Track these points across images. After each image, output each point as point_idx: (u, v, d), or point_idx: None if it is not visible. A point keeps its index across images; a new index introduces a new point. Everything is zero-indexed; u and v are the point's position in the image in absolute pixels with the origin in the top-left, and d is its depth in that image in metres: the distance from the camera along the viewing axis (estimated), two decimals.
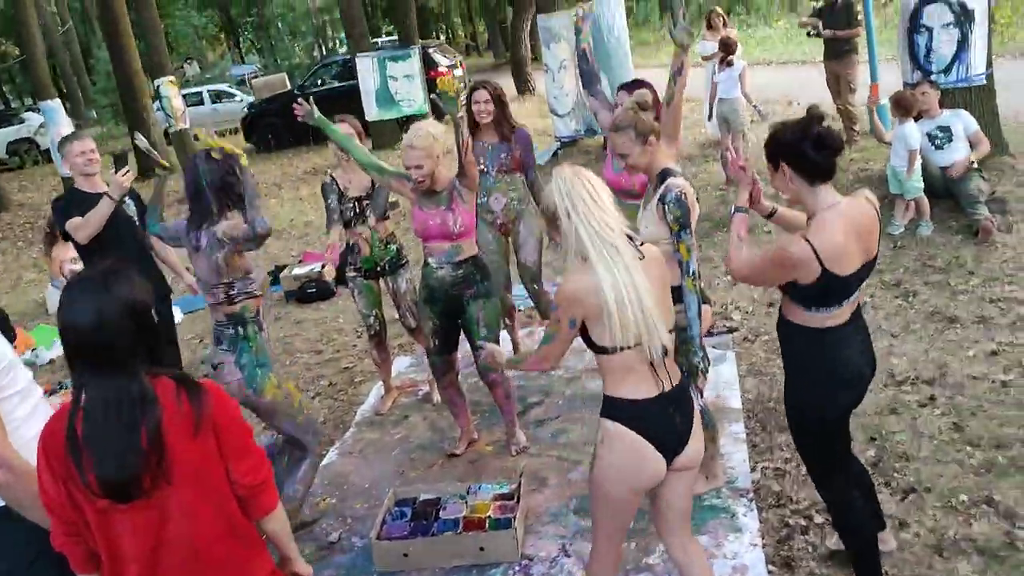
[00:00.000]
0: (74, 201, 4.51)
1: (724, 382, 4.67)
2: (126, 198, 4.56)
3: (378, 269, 4.79)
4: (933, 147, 6.61)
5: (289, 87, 20.26)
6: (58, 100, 12.03)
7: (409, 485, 4.08)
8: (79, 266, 6.27)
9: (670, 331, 2.48)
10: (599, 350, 2.44)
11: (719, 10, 10.35)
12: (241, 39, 45.76)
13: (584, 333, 2.47)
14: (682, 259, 3.19)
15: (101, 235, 4.37)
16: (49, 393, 6.02)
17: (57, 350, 5.71)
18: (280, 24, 33.35)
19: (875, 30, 8.60)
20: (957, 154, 6.51)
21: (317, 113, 4.06)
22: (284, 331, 6.70)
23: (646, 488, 2.54)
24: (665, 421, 2.47)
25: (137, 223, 4.69)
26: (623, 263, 2.38)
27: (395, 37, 16.84)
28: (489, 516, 3.56)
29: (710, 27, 9.98)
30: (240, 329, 3.43)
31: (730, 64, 8.42)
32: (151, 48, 13.51)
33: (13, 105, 35.65)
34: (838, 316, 2.72)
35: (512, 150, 4.81)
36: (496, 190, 4.87)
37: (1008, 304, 5.01)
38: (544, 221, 4.45)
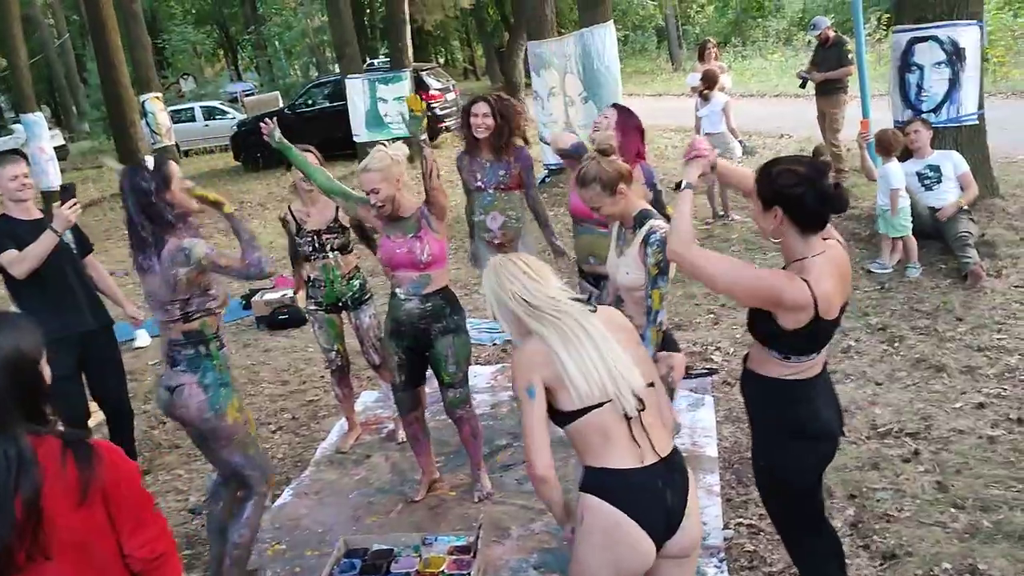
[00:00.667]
0: (6, 230, 4.15)
1: (701, 428, 4.47)
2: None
3: (340, 304, 4.59)
4: (923, 187, 6.48)
5: (281, 106, 20.14)
6: (40, 114, 11.85)
7: (364, 532, 3.87)
8: None
9: (649, 384, 2.27)
10: (568, 418, 2.22)
11: (712, 41, 10.17)
12: (239, 57, 45.77)
13: (550, 409, 2.25)
14: (652, 307, 3.01)
15: (39, 267, 4.07)
16: None
17: None
18: (277, 43, 33.29)
19: (868, 65, 8.51)
20: (947, 195, 6.39)
21: (278, 135, 3.88)
22: (251, 359, 6.48)
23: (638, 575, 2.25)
24: (652, 497, 2.19)
25: (75, 252, 4.45)
26: (572, 319, 2.21)
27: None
28: (443, 571, 3.34)
29: (701, 58, 9.85)
30: (201, 348, 3.15)
31: (706, 98, 8.27)
32: (138, 63, 13.37)
33: (7, 115, 35.48)
34: (814, 366, 2.55)
35: (511, 167, 4.62)
36: (493, 208, 4.67)
37: (996, 354, 4.84)
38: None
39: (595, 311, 2.28)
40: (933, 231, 6.44)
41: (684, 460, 2.35)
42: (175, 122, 22.66)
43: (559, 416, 2.24)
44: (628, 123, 3.98)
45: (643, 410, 2.21)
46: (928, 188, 6.47)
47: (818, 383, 2.59)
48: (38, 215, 4.31)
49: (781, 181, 2.40)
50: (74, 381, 4.35)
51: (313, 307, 4.64)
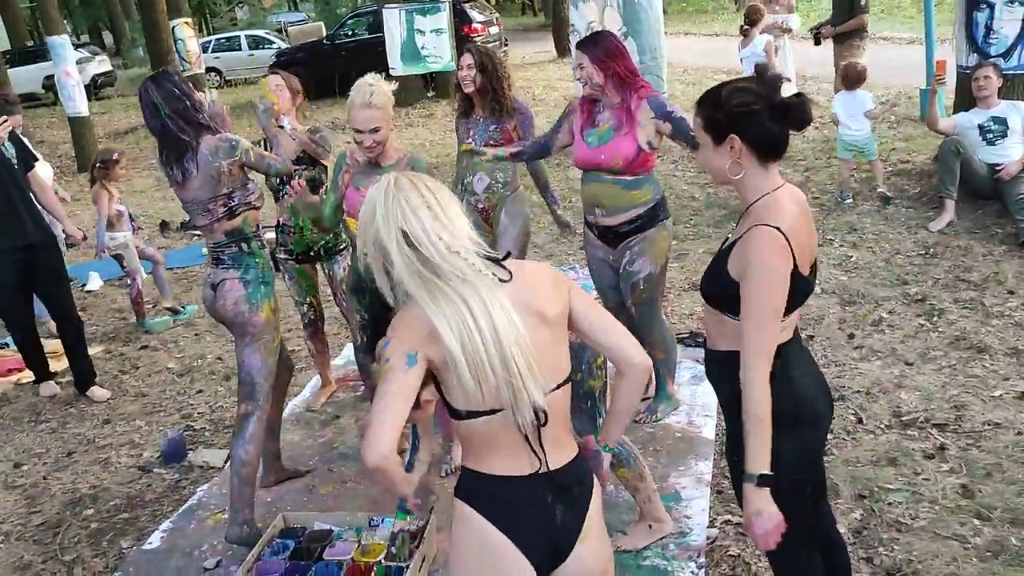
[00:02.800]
0: None
1: (701, 406, 4.01)
2: (5, 142, 4.45)
3: (311, 254, 4.19)
4: (984, 141, 5.82)
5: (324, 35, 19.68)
6: (66, 37, 11.57)
7: (314, 505, 3.54)
8: (125, 207, 5.93)
9: (556, 387, 1.78)
10: (452, 413, 1.76)
11: None
12: None
13: (439, 391, 1.77)
14: None
15: None
16: None
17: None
18: None
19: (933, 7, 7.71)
20: (1010, 151, 5.74)
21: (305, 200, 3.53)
22: None
23: None
24: (536, 512, 1.76)
25: (17, 166, 4.58)
26: (476, 295, 1.66)
27: None
28: (379, 562, 2.97)
29: None
30: (244, 245, 3.22)
31: (747, 36, 7.57)
32: None
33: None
34: (786, 328, 2.08)
35: (503, 124, 4.14)
36: (481, 168, 4.20)
37: None
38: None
39: (509, 280, 1.73)
40: (991, 191, 5.80)
41: (589, 475, 1.88)
42: (222, 50, 22.44)
43: (446, 406, 1.78)
44: (604, 55, 3.46)
45: (544, 424, 1.75)
46: (990, 143, 5.80)
47: (793, 350, 2.11)
48: None
49: (735, 101, 1.97)
50: (14, 296, 4.62)
51: (283, 255, 4.25)
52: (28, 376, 5.03)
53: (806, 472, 2.20)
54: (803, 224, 2.03)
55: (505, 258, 1.78)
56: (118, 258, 5.86)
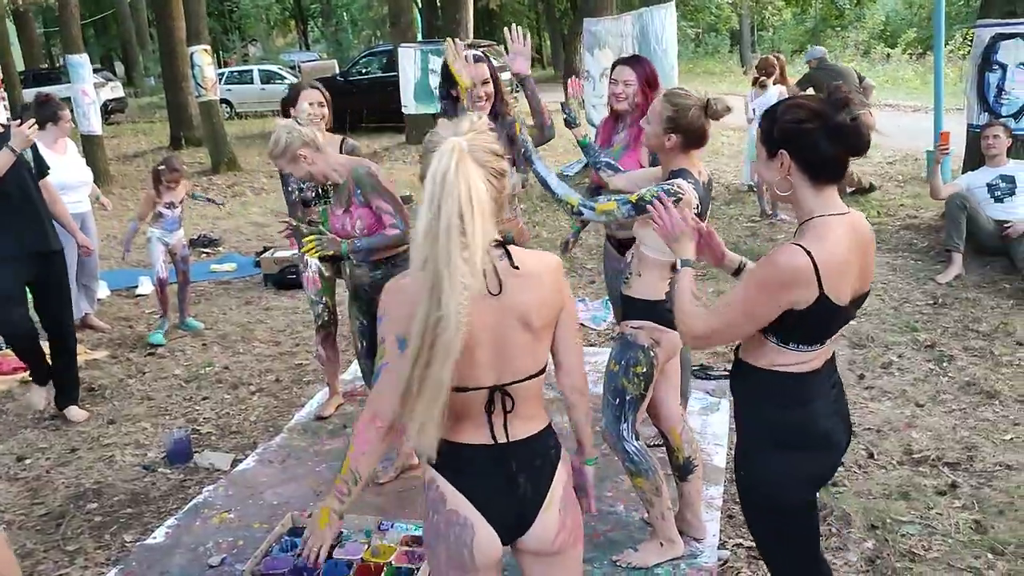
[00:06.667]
0: None
1: (712, 435, 4.00)
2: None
3: (334, 253, 4.22)
4: (992, 198, 5.92)
5: (336, 72, 19.96)
6: (85, 56, 11.68)
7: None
8: (172, 212, 5.68)
9: (528, 378, 1.79)
10: None
11: (780, 58, 8.76)
12: (310, 28, 45.91)
13: None
14: (598, 205, 2.78)
15: (3, 185, 4.07)
16: None
17: None
18: (344, 15, 33.19)
19: (944, 80, 7.86)
20: (1019, 209, 5.82)
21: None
22: (249, 316, 6.15)
23: (481, 570, 1.82)
24: (496, 480, 1.81)
25: (33, 170, 4.41)
26: (456, 303, 1.58)
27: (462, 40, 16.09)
28: (389, 563, 2.94)
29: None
30: None
31: (763, 87, 7.68)
32: (190, 14, 13.15)
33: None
34: (817, 358, 2.06)
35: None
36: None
37: None
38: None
39: (498, 293, 1.73)
40: (998, 248, 5.87)
41: (556, 449, 1.89)
42: (234, 83, 22.69)
43: None
44: (649, 79, 3.51)
45: (511, 411, 1.80)
46: (998, 199, 5.90)
47: (819, 380, 2.09)
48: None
49: (788, 117, 1.95)
50: (20, 302, 4.33)
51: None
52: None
53: (813, 495, 2.19)
54: (854, 254, 1.96)
55: (507, 242, 1.77)
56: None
